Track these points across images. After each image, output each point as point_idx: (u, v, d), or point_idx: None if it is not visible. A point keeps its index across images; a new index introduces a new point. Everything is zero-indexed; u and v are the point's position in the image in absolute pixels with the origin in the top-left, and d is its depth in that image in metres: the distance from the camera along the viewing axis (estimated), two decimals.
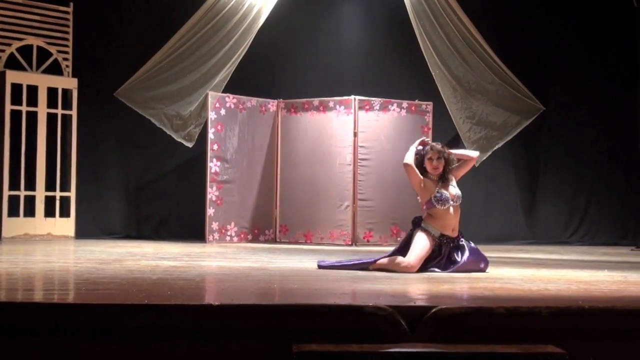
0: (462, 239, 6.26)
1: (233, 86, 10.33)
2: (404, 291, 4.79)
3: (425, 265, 6.11)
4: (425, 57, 10.27)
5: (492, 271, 6.14)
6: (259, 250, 8.82)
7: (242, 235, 10.37)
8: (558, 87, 11.15)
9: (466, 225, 11.33)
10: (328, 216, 10.38)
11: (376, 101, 10.47)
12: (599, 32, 11.11)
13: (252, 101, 10.53)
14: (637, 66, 10.68)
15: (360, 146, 10.36)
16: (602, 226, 11.21)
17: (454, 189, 6.29)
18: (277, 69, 11.07)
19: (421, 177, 6.34)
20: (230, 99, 10.32)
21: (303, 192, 10.51)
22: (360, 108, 10.38)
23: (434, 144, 6.48)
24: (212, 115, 10.14)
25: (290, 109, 10.67)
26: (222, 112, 10.25)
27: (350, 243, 10.22)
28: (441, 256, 6.15)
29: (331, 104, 10.48)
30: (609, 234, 11.19)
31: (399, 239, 10.46)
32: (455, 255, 6.18)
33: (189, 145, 10.19)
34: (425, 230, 6.18)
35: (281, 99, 10.73)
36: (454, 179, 6.38)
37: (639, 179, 10.76)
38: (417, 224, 6.28)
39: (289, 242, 10.46)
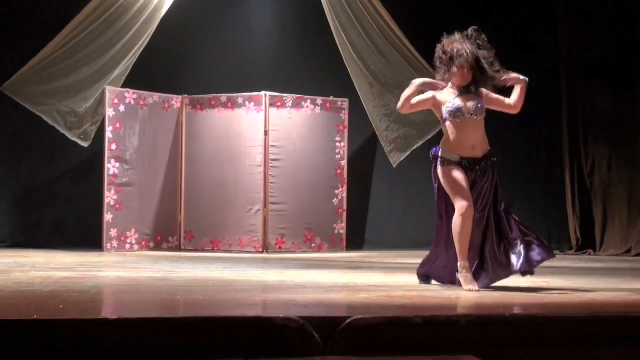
0: (490, 162, 5.77)
1: (133, 81, 10.21)
2: (317, 301, 4.83)
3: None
4: (341, 50, 10.35)
5: (410, 279, 6.24)
6: (162, 259, 8.76)
7: (143, 243, 10.27)
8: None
9: (385, 229, 11.58)
10: (237, 221, 10.36)
11: (289, 97, 10.51)
12: (522, 26, 11.39)
13: (154, 97, 10.44)
14: (560, 61, 11.00)
15: (272, 146, 10.38)
16: None
17: (473, 102, 5.75)
18: (182, 62, 10.99)
19: (432, 94, 5.81)
20: (130, 95, 10.22)
21: (210, 195, 10.47)
22: (271, 105, 10.40)
23: (469, 43, 5.76)
24: (110, 112, 10.01)
25: (196, 106, 10.62)
26: (121, 108, 10.14)
27: (261, 250, 10.23)
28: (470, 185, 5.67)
29: (240, 100, 10.47)
30: None
31: (313, 245, 10.54)
32: (480, 182, 5.71)
33: (85, 145, 10.02)
34: (443, 162, 5.72)
35: (186, 95, 10.66)
36: (484, 96, 5.82)
37: (562, 179, 11.06)
38: (434, 157, 5.80)
39: (195, 250, 10.39)
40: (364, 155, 11.28)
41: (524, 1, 11.40)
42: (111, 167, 10.02)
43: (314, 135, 10.59)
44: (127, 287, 5.63)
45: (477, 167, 5.74)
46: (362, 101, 10.55)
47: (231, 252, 10.21)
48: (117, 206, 10.04)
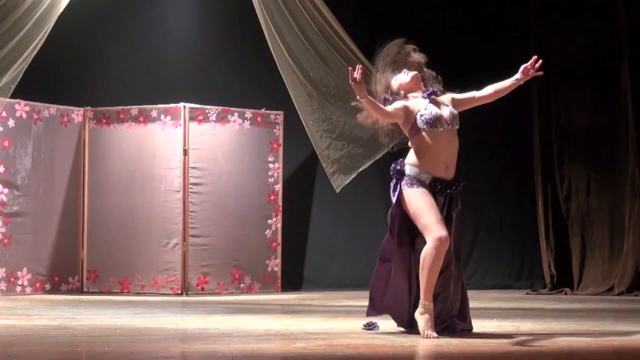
0: (460, 186, 5.86)
1: (25, 90, 10.09)
2: (246, 352, 4.83)
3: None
4: (274, 54, 10.37)
5: (355, 324, 6.25)
6: (60, 304, 8.67)
7: (37, 285, 10.16)
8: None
9: (327, 266, 11.60)
10: (150, 258, 10.30)
11: (212, 110, 10.51)
12: (491, 30, 11.57)
13: (51, 109, 10.36)
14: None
15: (192, 167, 10.36)
16: (492, 265, 11.61)
17: (447, 109, 5.86)
18: (84, 69, 10.92)
19: (402, 104, 5.86)
20: (22, 107, 10.12)
21: (118, 227, 10.40)
22: (191, 119, 10.39)
23: (409, 46, 6.07)
24: None
25: (101, 120, 10.56)
26: (11, 123, 10.04)
27: (179, 292, 10.17)
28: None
29: (154, 114, 10.44)
30: (501, 275, 11.59)
31: (242, 285, 10.52)
32: (453, 209, 5.76)
33: None
34: (412, 182, 5.74)
35: (89, 107, 10.60)
36: (450, 100, 5.96)
37: (534, 205, 11.19)
38: (398, 173, 5.81)
39: (100, 292, 10.30)
40: (302, 179, 11.31)
41: (492, 3, 11.59)
42: None
43: (243, 154, 10.59)
44: (16, 338, 5.56)
45: (448, 191, 5.79)
46: (300, 114, 10.57)
47: (144, 294, 10.14)
48: (6, 240, 9.93)
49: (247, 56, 11.02)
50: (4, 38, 9.92)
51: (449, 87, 11.61)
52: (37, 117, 10.25)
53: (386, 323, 6.45)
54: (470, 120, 11.48)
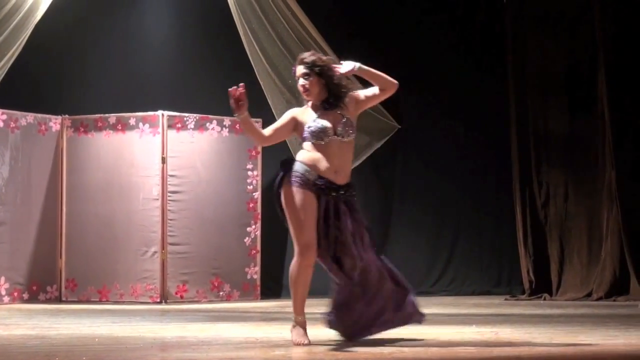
0: (353, 192, 5.71)
1: (1, 99, 10.08)
2: None
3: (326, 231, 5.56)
4: (252, 61, 10.38)
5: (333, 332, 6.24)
6: (38, 313, 8.64)
7: (15, 294, 10.11)
8: (420, 99, 11.53)
9: None
10: (129, 267, 10.27)
11: (191, 118, 10.50)
12: (467, 35, 11.61)
13: (28, 118, 10.33)
14: (508, 74, 11.21)
15: (171, 175, 10.34)
16: (471, 271, 11.63)
17: (340, 120, 5.70)
18: (62, 77, 10.89)
19: (291, 115, 5.80)
20: None
21: (96, 236, 10.37)
22: (170, 127, 10.37)
23: (304, 53, 5.91)
24: None
25: (79, 128, 10.53)
26: None
27: (158, 300, 10.15)
28: (322, 214, 5.56)
29: (132, 122, 10.42)
30: (480, 281, 11.61)
31: (221, 293, 10.50)
32: (341, 214, 5.58)
33: None
34: (297, 178, 5.60)
35: (66, 115, 10.57)
36: (347, 108, 5.76)
37: (512, 211, 11.21)
38: (285, 165, 5.68)
39: (79, 301, 10.27)
40: None
41: (468, 10, 11.63)
42: None
43: (222, 162, 10.58)
44: None
45: (334, 194, 5.63)
46: None
47: (122, 303, 10.12)
48: None
49: (226, 64, 11.00)
50: None
51: (418, 94, 11.67)
52: (14, 125, 10.21)
53: None
54: (447, 128, 11.62)
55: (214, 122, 10.61)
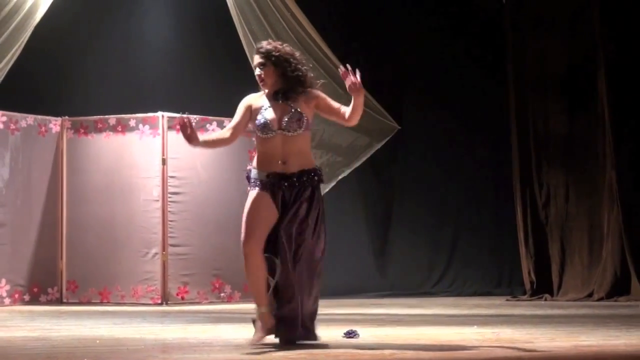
0: (305, 178, 5.61)
1: (2, 100, 10.09)
2: None
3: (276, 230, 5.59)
4: (252, 63, 10.39)
5: (337, 332, 6.23)
6: (39, 315, 8.63)
7: (16, 296, 10.11)
8: (420, 100, 11.53)
9: None
10: (130, 268, 10.27)
11: (190, 119, 10.48)
12: (468, 36, 11.62)
13: (28, 119, 10.33)
14: (509, 74, 11.22)
15: (171, 177, 10.33)
16: (472, 272, 11.63)
17: (288, 114, 5.62)
18: (62, 79, 10.89)
19: (245, 105, 5.81)
20: None
21: (97, 237, 10.37)
22: (170, 128, 10.37)
23: (261, 42, 5.86)
24: None
25: (79, 130, 10.53)
26: None
27: (159, 302, 10.15)
28: (280, 206, 5.57)
29: (132, 123, 10.42)
30: (481, 282, 11.62)
31: (222, 294, 10.50)
32: (295, 202, 5.56)
33: None
34: (252, 182, 5.68)
35: (67, 117, 10.57)
36: (301, 102, 5.67)
37: (513, 212, 11.21)
38: (247, 176, 5.77)
39: (80, 303, 10.27)
40: None
41: (469, 10, 11.65)
42: None
43: (222, 163, 10.58)
44: None
45: (286, 184, 5.59)
46: None
47: (123, 304, 10.12)
48: None
49: (225, 65, 11.02)
50: None
51: (418, 95, 11.67)
52: (14, 127, 10.21)
53: (367, 331, 6.45)
54: (447, 128, 11.63)
55: (214, 123, 10.60)
